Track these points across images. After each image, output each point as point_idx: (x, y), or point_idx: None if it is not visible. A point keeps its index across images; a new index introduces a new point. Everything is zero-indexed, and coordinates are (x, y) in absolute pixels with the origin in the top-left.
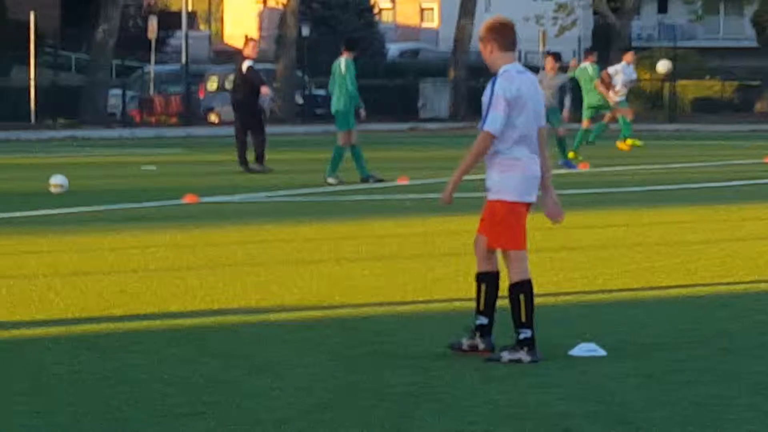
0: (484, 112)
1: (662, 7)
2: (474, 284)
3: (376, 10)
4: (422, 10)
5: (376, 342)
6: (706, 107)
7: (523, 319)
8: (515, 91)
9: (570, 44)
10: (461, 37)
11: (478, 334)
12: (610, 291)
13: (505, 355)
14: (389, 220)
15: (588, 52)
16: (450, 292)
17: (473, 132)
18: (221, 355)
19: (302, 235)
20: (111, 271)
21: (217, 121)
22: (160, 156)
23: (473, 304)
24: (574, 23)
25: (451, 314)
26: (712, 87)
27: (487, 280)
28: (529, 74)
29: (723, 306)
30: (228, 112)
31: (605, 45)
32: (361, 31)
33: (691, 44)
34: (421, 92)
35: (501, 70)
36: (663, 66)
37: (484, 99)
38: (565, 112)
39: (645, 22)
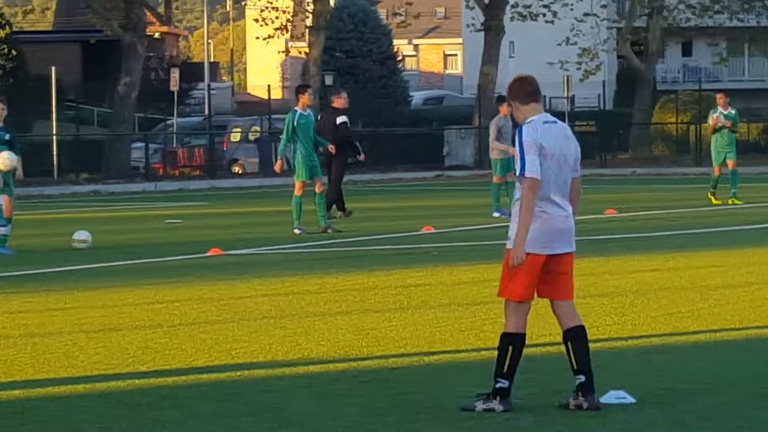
0: (517, 162)
1: (687, 50)
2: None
3: (399, 58)
4: (446, 56)
5: (404, 393)
6: None
7: (506, 370)
8: (539, 139)
9: (595, 88)
10: (485, 84)
11: (579, 393)
12: (639, 337)
13: (479, 405)
14: (415, 270)
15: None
16: (478, 341)
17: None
18: (250, 409)
19: (328, 286)
20: (136, 327)
21: (240, 172)
22: (184, 209)
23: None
24: (598, 67)
25: (478, 364)
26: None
27: (572, 336)
28: (559, 124)
29: (752, 350)
30: (252, 163)
31: (630, 88)
32: (384, 79)
33: (716, 86)
34: (446, 140)
35: (526, 121)
36: None
37: (518, 151)
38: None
39: (669, 65)
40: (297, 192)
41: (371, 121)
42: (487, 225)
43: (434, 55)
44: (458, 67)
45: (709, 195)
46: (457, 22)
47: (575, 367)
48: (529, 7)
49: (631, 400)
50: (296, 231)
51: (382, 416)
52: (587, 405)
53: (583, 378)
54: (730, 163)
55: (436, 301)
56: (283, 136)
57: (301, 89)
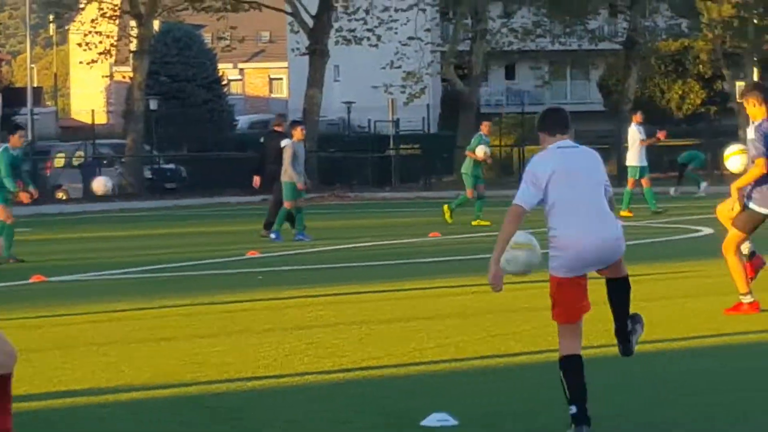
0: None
1: (510, 74)
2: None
3: (224, 82)
4: (271, 80)
5: (230, 419)
6: None
7: (568, 395)
8: (549, 167)
9: (419, 112)
10: (310, 107)
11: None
12: (462, 359)
13: None
14: (240, 294)
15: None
16: (302, 366)
17: (325, 202)
18: None
19: (152, 312)
20: None
21: (65, 198)
22: None
23: (326, 377)
24: (422, 91)
25: (303, 388)
26: None
27: (616, 286)
28: (581, 148)
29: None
30: (76, 189)
31: (454, 112)
32: (210, 104)
33: (539, 109)
34: None
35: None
36: None
37: None
38: (300, 185)
39: (493, 88)
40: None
41: (197, 145)
42: (311, 249)
43: (259, 79)
44: (284, 91)
45: (476, 221)
46: (282, 46)
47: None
48: (353, 31)
49: (453, 422)
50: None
51: None
52: (622, 349)
53: (622, 324)
54: (481, 186)
55: (260, 325)
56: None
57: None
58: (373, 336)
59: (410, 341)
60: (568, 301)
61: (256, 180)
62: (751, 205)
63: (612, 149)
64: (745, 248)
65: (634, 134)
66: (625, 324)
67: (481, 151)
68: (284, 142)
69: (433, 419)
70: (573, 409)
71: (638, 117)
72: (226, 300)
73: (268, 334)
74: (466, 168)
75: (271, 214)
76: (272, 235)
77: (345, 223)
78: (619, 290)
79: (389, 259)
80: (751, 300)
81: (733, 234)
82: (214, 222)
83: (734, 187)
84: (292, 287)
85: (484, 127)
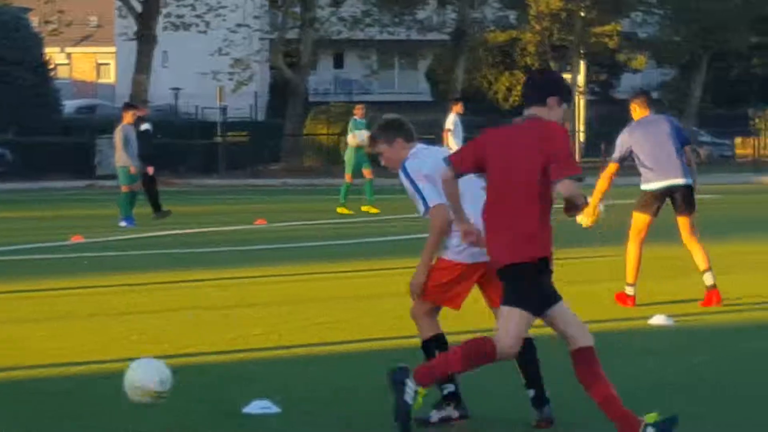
0: (416, 201)
1: (338, 63)
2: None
3: (51, 66)
4: (98, 65)
5: (55, 405)
6: None
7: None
8: (429, 166)
9: (247, 99)
10: (138, 93)
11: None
12: (286, 347)
13: (434, 414)
14: (65, 279)
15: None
16: (124, 351)
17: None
18: None
19: None
20: None
21: None
22: None
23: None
24: (250, 78)
25: (122, 375)
26: None
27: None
28: (433, 147)
29: (399, 360)
30: None
31: (283, 99)
32: (36, 88)
33: (367, 98)
34: (98, 149)
35: (409, 156)
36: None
37: (408, 190)
38: (132, 168)
39: (321, 77)
40: None
41: (22, 129)
42: (136, 235)
43: (87, 64)
44: (111, 76)
45: (341, 208)
46: (110, 30)
47: (524, 381)
48: (182, 17)
49: (275, 409)
50: None
51: (38, 428)
52: (539, 417)
53: (533, 392)
54: (367, 172)
55: (84, 310)
56: None
57: None
58: (196, 322)
59: (234, 328)
60: (448, 284)
61: (150, 168)
62: (642, 186)
63: (438, 139)
64: (708, 280)
65: (449, 124)
66: (542, 388)
67: (351, 138)
68: (143, 126)
69: (255, 406)
70: (451, 388)
71: (459, 107)
72: (48, 286)
73: (91, 319)
74: (347, 156)
75: (150, 197)
76: (122, 223)
77: (171, 209)
78: (528, 352)
79: (215, 246)
80: (631, 294)
81: (636, 218)
82: (38, 207)
83: (595, 196)
84: (117, 273)
85: (357, 110)
